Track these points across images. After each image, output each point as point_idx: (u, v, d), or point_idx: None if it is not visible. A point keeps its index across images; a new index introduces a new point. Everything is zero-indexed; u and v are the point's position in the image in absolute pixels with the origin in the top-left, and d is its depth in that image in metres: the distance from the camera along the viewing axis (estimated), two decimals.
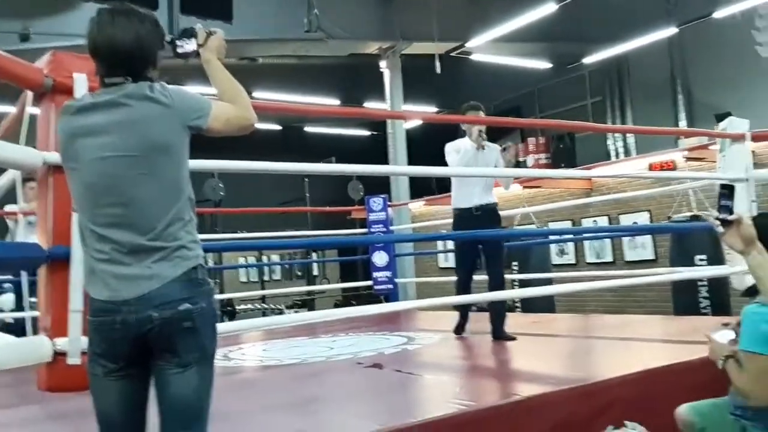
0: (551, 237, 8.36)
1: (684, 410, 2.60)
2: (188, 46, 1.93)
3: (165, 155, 1.68)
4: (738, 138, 4.49)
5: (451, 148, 4.65)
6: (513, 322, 4.75)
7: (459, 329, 4.75)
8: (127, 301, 1.62)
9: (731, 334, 2.54)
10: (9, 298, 5.18)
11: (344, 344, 4.80)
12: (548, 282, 6.99)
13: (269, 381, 3.79)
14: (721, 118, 5.07)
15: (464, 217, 4.57)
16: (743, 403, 2.40)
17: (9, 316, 4.95)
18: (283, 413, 2.75)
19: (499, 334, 4.38)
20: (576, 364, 3.89)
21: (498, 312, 4.45)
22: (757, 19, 10.69)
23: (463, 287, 4.63)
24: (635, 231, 8.72)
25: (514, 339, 4.37)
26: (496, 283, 4.48)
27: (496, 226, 4.63)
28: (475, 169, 4.49)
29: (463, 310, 4.80)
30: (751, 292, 2.54)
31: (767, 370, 2.28)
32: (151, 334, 1.62)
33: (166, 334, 1.63)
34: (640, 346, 4.16)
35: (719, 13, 10.38)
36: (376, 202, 7.52)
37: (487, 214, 4.55)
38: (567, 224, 9.55)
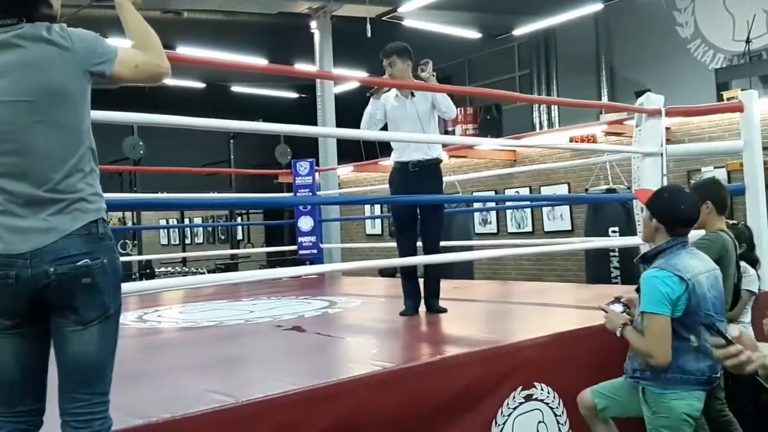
0: (476, 205, 8.48)
1: (585, 394, 2.71)
2: None
3: (63, 102, 1.59)
4: (654, 113, 4.64)
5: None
6: None
7: (409, 309, 4.01)
8: (22, 255, 1.54)
9: (621, 307, 2.66)
10: None
11: (265, 308, 4.76)
12: (469, 249, 7.11)
13: (183, 342, 3.72)
14: (640, 94, 5.21)
15: (401, 173, 4.05)
16: (642, 365, 2.52)
17: None
18: (195, 374, 2.69)
19: (431, 306, 4.04)
20: (491, 327, 4.00)
21: (430, 282, 4.09)
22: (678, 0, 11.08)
23: (405, 251, 4.08)
24: (555, 200, 8.99)
25: (445, 311, 4.03)
26: (430, 250, 4.09)
27: (436, 184, 4.09)
28: (403, 134, 4.02)
29: (409, 286, 4.08)
30: (645, 259, 2.66)
31: (666, 329, 2.41)
32: (49, 290, 1.55)
33: (64, 291, 1.56)
34: (552, 311, 4.30)
35: None
36: (303, 166, 7.43)
37: (426, 172, 4.03)
38: (491, 194, 9.74)
